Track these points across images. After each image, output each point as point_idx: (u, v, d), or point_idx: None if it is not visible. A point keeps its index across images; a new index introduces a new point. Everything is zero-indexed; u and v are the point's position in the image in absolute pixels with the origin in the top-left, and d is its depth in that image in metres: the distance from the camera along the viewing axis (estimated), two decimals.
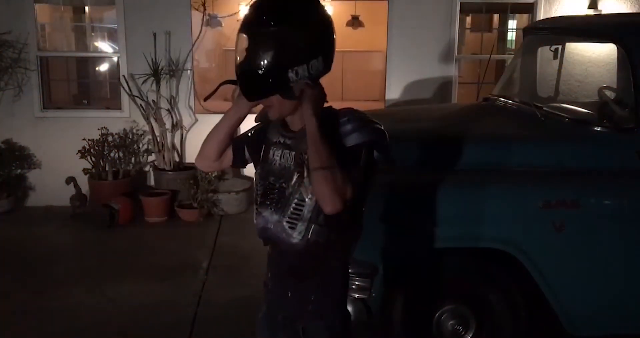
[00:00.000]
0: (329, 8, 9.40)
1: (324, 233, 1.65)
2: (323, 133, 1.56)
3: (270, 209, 1.70)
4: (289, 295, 1.74)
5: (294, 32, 1.55)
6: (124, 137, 5.70)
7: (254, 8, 1.61)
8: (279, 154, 1.71)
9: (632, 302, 2.89)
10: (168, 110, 5.78)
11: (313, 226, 1.64)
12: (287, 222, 1.66)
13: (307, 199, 1.63)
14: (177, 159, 5.88)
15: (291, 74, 1.56)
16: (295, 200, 1.65)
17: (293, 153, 1.68)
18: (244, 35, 1.58)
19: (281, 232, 1.68)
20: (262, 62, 1.55)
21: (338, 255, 1.73)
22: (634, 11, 5.81)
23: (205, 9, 5.90)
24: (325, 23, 1.62)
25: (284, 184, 1.68)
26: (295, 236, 1.65)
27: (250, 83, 1.61)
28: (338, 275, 1.75)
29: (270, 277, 1.82)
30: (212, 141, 1.80)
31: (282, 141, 1.71)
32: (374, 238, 2.70)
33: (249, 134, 1.85)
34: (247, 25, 1.59)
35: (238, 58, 1.61)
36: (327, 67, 1.63)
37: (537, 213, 2.72)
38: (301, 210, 1.64)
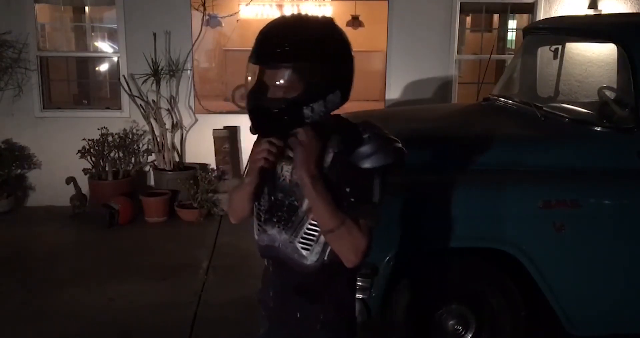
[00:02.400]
0: (329, 8, 9.40)
1: None
2: (322, 191, 1.46)
3: (279, 227, 1.59)
4: (298, 315, 1.63)
5: (311, 68, 1.45)
6: (124, 137, 5.70)
7: (268, 38, 1.48)
8: (289, 170, 1.57)
9: (632, 301, 2.89)
10: (168, 110, 5.78)
11: (330, 247, 1.53)
12: (301, 243, 1.56)
13: None
14: (177, 159, 5.88)
15: (306, 111, 1.46)
16: (310, 220, 1.54)
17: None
18: (257, 67, 1.50)
19: (292, 253, 1.57)
20: (276, 99, 1.46)
21: (349, 273, 1.64)
22: (634, 11, 5.81)
23: (205, 9, 5.89)
24: (345, 55, 1.51)
25: (295, 202, 1.56)
26: (310, 258, 1.55)
27: (262, 120, 1.49)
28: (347, 292, 1.67)
29: (272, 296, 1.68)
30: (242, 203, 1.64)
31: (292, 155, 1.53)
32: (374, 238, 2.70)
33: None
34: (261, 57, 1.48)
35: (250, 90, 1.52)
36: (344, 98, 1.52)
37: (537, 213, 2.72)
38: (317, 231, 1.53)
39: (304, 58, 1.44)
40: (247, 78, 1.54)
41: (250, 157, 1.55)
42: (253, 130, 1.53)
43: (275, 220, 1.60)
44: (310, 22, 1.51)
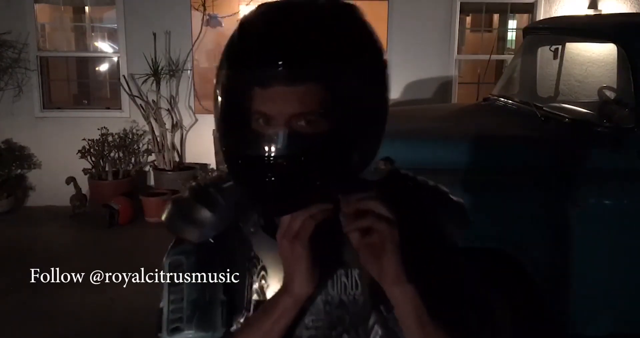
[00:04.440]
0: None
1: None
2: (420, 307, 0.86)
3: None
4: None
5: (352, 77, 0.84)
6: (124, 137, 5.70)
7: (271, 34, 0.82)
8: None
9: (633, 301, 2.89)
10: (168, 110, 5.78)
11: None
12: None
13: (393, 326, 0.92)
14: (177, 159, 5.88)
15: (355, 156, 0.88)
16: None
17: (356, 271, 0.93)
18: (250, 86, 0.83)
19: None
20: (302, 136, 0.82)
21: None
22: (634, 11, 5.81)
23: (205, 9, 5.90)
24: (382, 54, 0.93)
25: (345, 335, 0.92)
26: None
27: (286, 180, 0.83)
28: None
29: None
30: None
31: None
32: None
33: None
34: (270, 64, 0.80)
35: (230, 129, 0.88)
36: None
37: (537, 212, 2.72)
38: None
39: (342, 59, 0.82)
40: (222, 110, 0.87)
41: (285, 259, 0.86)
42: (270, 208, 0.89)
43: None
44: (324, 4, 0.87)
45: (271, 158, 0.82)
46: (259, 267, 0.94)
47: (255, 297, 0.93)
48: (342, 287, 0.93)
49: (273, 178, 0.82)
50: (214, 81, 0.88)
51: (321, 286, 0.90)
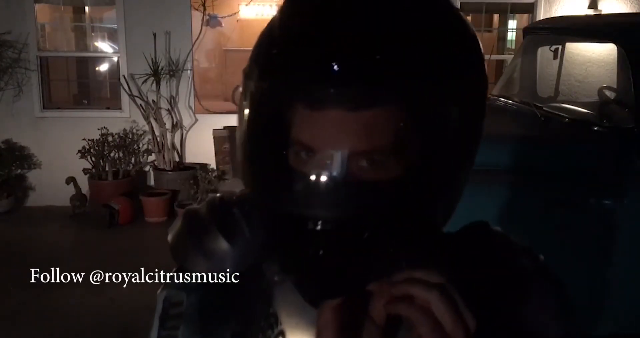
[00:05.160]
0: None
1: None
2: None
3: None
4: None
5: (444, 102, 0.57)
6: (124, 137, 5.70)
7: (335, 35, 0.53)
8: None
9: (633, 301, 2.90)
10: (168, 110, 5.78)
11: None
12: None
13: None
14: (177, 159, 5.88)
15: (440, 214, 0.67)
16: None
17: None
18: (306, 111, 0.56)
19: None
20: (365, 185, 0.56)
21: None
22: (634, 11, 5.82)
23: (205, 9, 5.90)
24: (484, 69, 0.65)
25: None
26: None
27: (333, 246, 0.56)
28: None
29: None
30: None
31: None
32: None
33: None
34: (331, 82, 0.52)
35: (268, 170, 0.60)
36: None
37: (537, 213, 2.72)
38: None
39: (435, 71, 0.55)
40: (247, 133, 0.60)
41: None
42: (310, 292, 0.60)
43: None
44: None
45: (318, 222, 0.53)
46: (275, 331, 0.68)
47: None
48: None
49: (320, 252, 0.55)
50: (240, 89, 0.61)
51: None
